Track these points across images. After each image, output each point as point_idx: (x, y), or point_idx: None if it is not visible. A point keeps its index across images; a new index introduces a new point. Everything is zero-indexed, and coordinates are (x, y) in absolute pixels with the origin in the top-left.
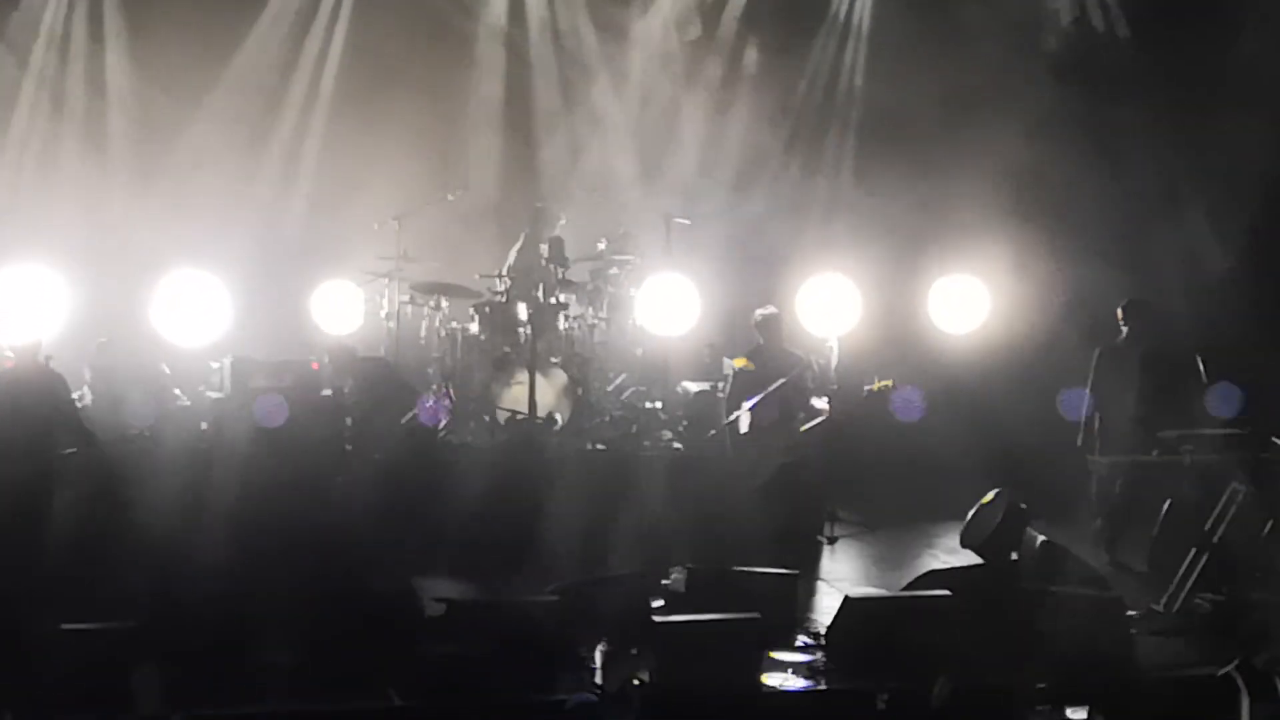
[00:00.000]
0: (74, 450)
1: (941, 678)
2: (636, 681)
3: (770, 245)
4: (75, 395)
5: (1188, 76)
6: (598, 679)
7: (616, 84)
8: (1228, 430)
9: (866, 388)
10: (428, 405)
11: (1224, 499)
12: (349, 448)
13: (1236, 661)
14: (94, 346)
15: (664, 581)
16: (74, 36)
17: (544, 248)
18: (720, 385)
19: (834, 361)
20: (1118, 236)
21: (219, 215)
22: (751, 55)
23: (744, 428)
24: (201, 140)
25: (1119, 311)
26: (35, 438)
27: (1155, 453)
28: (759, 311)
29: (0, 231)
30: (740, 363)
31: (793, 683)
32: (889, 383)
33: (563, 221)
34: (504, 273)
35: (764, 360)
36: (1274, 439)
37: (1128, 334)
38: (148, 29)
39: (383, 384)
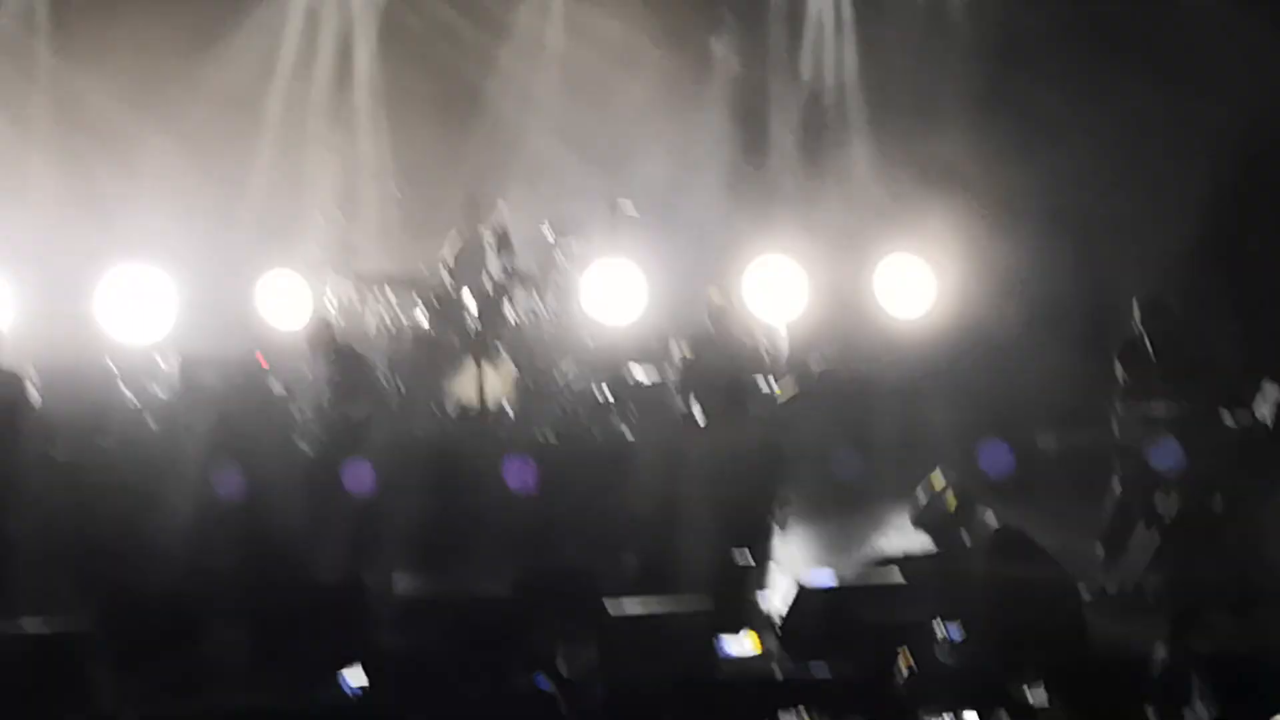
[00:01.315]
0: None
1: (902, 651)
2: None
3: (717, 229)
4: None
5: (1129, 51)
6: (560, 668)
7: (559, 72)
8: (1178, 407)
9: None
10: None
11: (1174, 476)
12: (302, 445)
13: (1169, 646)
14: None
15: (617, 570)
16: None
17: (489, 236)
18: (669, 371)
19: (784, 348)
20: (1063, 214)
21: (161, 208)
22: (696, 39)
23: (700, 421)
24: (141, 132)
25: (1135, 308)
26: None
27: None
28: (711, 299)
29: None
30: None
31: (748, 671)
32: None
33: (497, 209)
34: (445, 263)
35: (715, 348)
36: (1227, 415)
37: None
38: (86, 21)
39: (356, 374)
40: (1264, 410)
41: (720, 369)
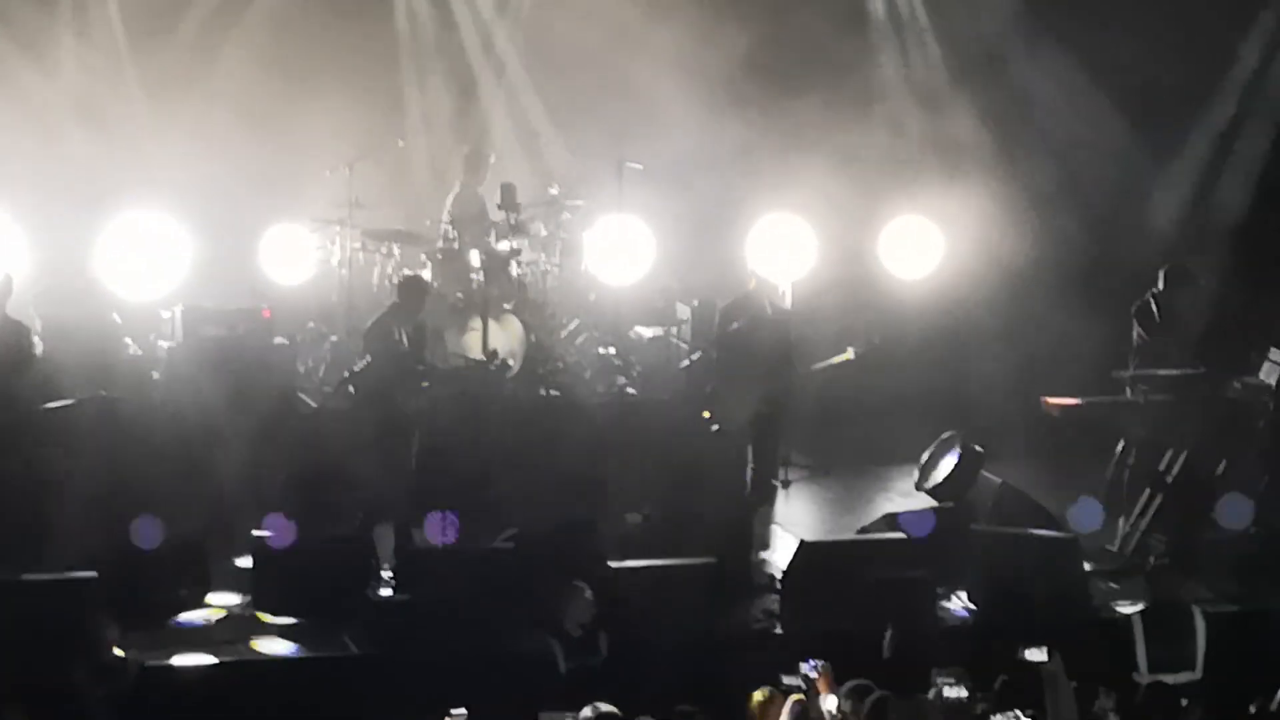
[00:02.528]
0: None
1: (890, 630)
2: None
3: (724, 186)
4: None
5: (1139, 24)
6: (564, 623)
7: (562, 25)
8: (1184, 370)
9: (819, 365)
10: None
11: (1178, 440)
12: (303, 396)
13: (1141, 606)
14: (32, 295)
15: (623, 524)
16: None
17: (496, 192)
18: (674, 330)
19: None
20: (1076, 181)
21: (167, 160)
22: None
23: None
24: (146, 84)
25: (1161, 275)
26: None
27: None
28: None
29: None
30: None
31: (749, 625)
32: (848, 355)
33: (493, 160)
34: (444, 220)
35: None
36: (1233, 380)
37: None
38: None
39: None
40: (1271, 378)
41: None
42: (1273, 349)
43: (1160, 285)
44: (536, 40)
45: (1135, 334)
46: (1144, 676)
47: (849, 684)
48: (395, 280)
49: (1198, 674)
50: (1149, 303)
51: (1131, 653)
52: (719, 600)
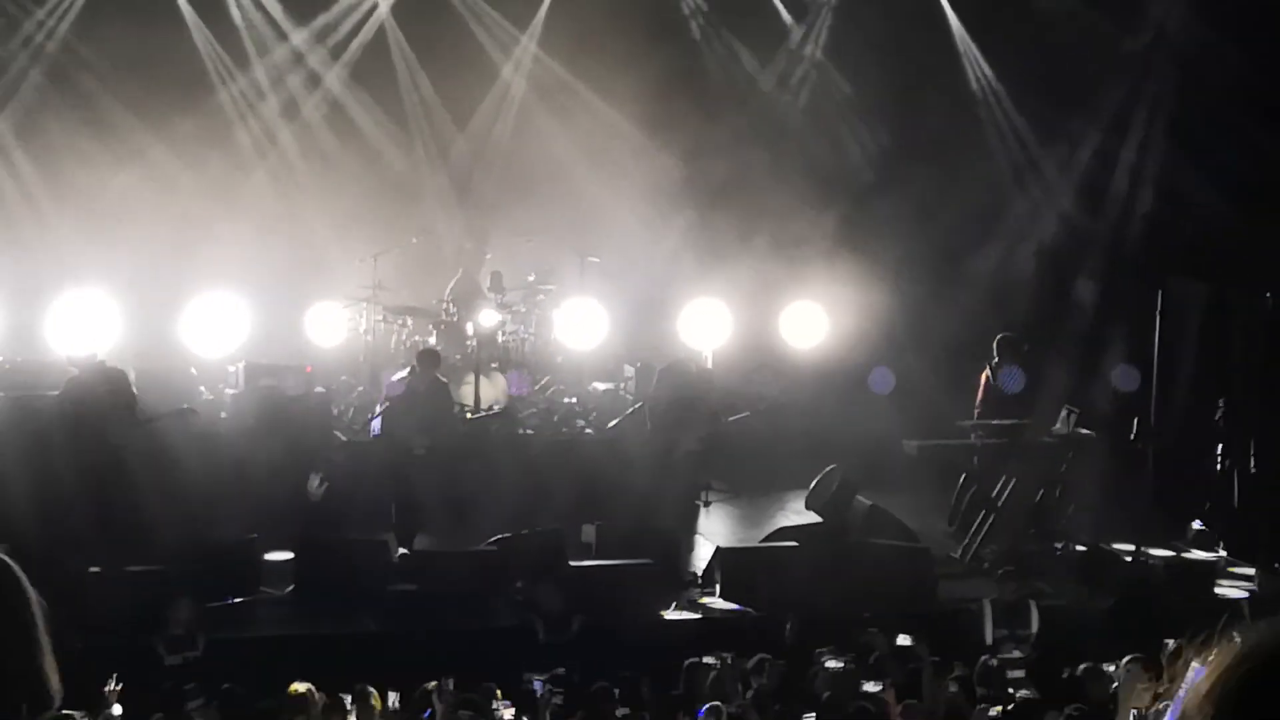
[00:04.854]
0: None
1: (791, 616)
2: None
3: (661, 277)
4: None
5: (987, 146)
6: (544, 606)
7: (539, 151)
8: (1010, 421)
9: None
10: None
11: (1006, 474)
12: (336, 432)
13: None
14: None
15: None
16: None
17: (487, 278)
18: (622, 385)
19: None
20: (933, 271)
21: (234, 252)
22: (643, 122)
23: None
24: (219, 193)
25: (995, 345)
26: (97, 425)
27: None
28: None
29: (61, 260)
30: None
31: (678, 612)
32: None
33: (489, 256)
34: (447, 298)
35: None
36: (1045, 429)
37: (1001, 361)
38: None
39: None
40: (1065, 427)
41: (689, 388)
42: (1066, 406)
43: (995, 354)
44: (521, 161)
45: (980, 392)
46: (990, 655)
47: (755, 658)
48: (409, 344)
49: (1030, 652)
50: (991, 367)
51: (980, 636)
52: (654, 592)
